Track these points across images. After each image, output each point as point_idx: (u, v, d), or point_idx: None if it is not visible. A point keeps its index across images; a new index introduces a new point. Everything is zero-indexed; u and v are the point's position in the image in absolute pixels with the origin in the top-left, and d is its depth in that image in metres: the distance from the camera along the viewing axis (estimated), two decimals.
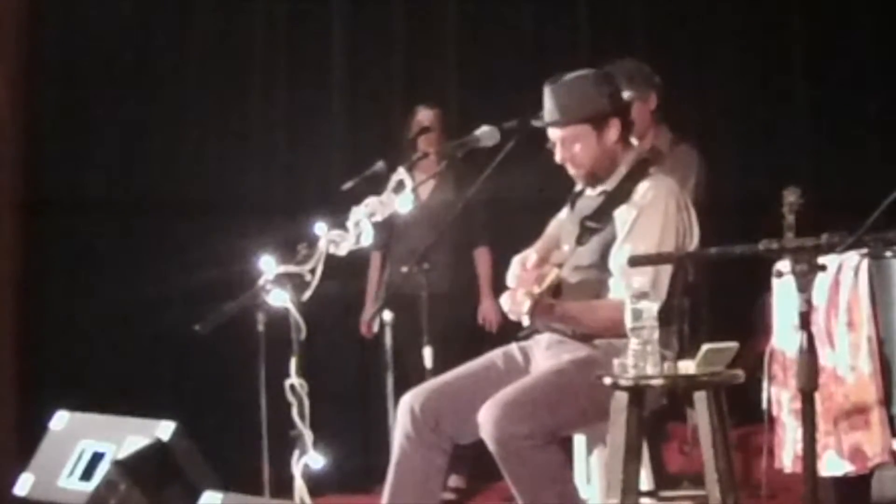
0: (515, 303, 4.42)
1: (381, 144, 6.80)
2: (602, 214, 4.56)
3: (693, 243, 4.52)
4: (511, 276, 4.63)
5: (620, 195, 4.55)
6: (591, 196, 4.67)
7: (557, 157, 4.60)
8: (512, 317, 4.49)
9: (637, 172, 4.58)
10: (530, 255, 4.69)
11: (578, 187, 4.75)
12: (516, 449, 4.20)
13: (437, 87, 7.35)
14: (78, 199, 7.11)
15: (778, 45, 7.71)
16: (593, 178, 4.62)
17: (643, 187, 4.52)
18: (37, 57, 7.13)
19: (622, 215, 4.50)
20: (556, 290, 4.57)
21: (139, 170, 7.16)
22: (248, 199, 7.27)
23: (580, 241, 4.60)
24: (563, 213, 4.82)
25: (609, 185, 4.59)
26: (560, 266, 4.57)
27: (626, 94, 4.90)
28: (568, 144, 4.56)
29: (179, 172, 7.18)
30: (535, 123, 4.64)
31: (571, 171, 4.63)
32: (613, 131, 4.57)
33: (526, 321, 4.45)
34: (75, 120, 7.13)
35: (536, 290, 4.37)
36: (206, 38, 7.34)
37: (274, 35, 7.41)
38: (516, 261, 4.70)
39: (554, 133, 4.59)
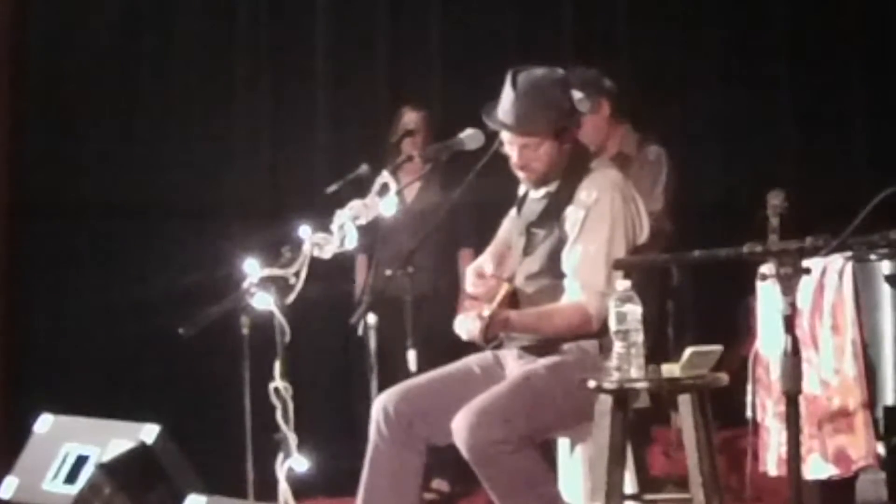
0: (468, 329, 4.41)
1: (365, 147, 6.78)
2: (547, 218, 4.54)
3: (644, 234, 4.49)
4: (469, 285, 4.63)
5: (564, 196, 4.51)
6: (535, 199, 4.63)
7: (513, 162, 4.52)
8: (468, 338, 4.46)
9: (579, 169, 4.53)
10: (485, 262, 4.68)
11: (523, 189, 4.71)
12: (490, 455, 4.20)
13: (422, 89, 7.34)
14: (62, 202, 7.09)
15: (761, 47, 7.72)
16: (543, 182, 4.57)
17: (586, 185, 4.47)
18: (21, 61, 7.12)
19: (571, 216, 4.46)
20: (514, 301, 4.57)
21: (123, 173, 7.14)
22: (233, 201, 7.25)
23: (527, 251, 4.60)
24: (513, 213, 4.78)
25: (552, 186, 4.55)
26: (510, 280, 4.56)
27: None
28: (527, 152, 4.49)
29: (163, 176, 7.16)
30: (489, 123, 4.56)
31: (521, 175, 4.57)
32: (572, 137, 4.54)
33: (482, 342, 4.42)
34: (59, 123, 7.12)
35: (486, 311, 4.36)
36: (190, 41, 7.33)
37: (257, 38, 7.40)
38: (471, 269, 4.70)
39: (510, 136, 4.52)
